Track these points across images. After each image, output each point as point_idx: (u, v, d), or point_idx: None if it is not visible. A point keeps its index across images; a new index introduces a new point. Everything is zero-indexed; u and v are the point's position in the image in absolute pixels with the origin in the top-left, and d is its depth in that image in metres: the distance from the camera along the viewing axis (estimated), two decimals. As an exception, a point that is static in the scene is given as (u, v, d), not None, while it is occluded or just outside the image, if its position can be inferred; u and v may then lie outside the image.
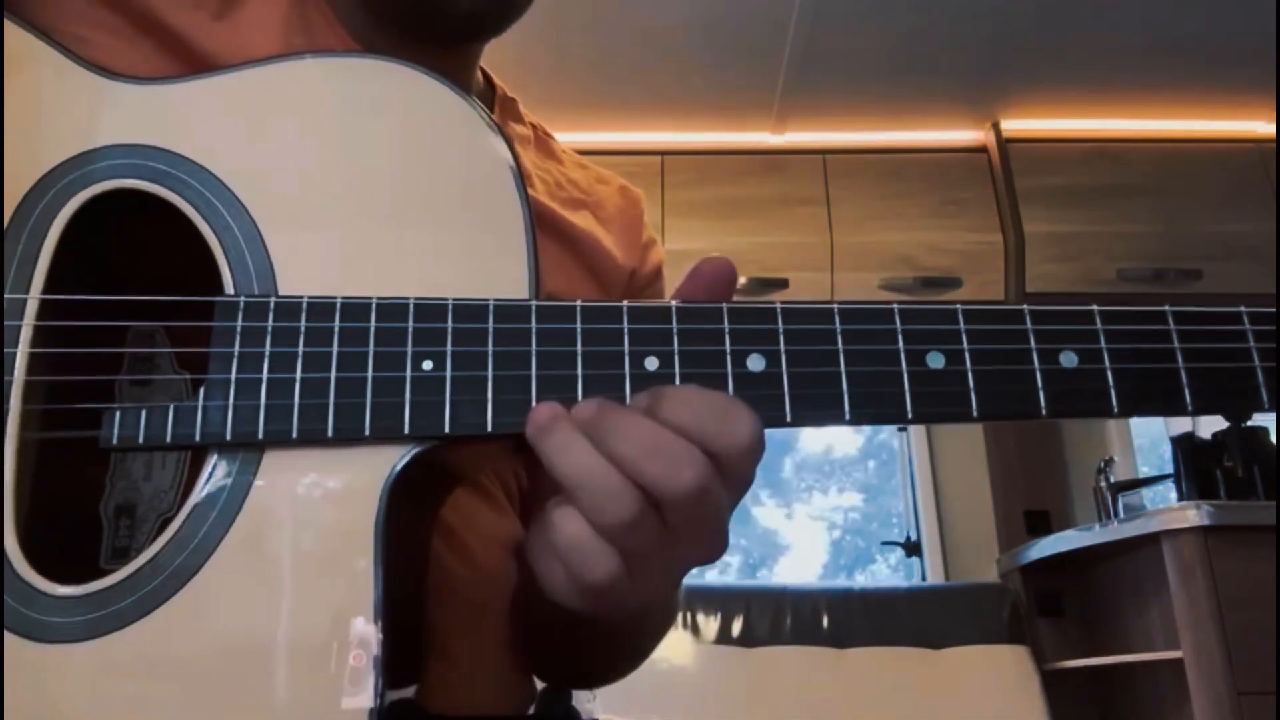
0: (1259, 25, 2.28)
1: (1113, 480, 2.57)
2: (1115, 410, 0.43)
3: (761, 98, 2.64)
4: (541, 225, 0.52)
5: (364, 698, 0.39)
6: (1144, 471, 2.81)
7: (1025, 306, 0.44)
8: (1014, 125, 2.77)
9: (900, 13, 2.33)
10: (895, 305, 0.44)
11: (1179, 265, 2.57)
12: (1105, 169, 2.70)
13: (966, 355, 0.43)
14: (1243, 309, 0.44)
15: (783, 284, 2.58)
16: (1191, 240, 2.61)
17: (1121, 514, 2.49)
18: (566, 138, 0.78)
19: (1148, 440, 2.93)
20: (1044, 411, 0.42)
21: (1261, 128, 2.73)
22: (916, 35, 2.42)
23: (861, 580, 3.00)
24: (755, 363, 0.43)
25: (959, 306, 0.44)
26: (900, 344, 0.43)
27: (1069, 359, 0.43)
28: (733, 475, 0.40)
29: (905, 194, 2.73)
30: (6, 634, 0.39)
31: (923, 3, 2.31)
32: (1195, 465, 2.39)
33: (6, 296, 0.43)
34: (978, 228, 2.69)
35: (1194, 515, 1.94)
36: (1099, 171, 2.70)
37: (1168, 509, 2.07)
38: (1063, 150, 2.75)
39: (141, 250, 0.48)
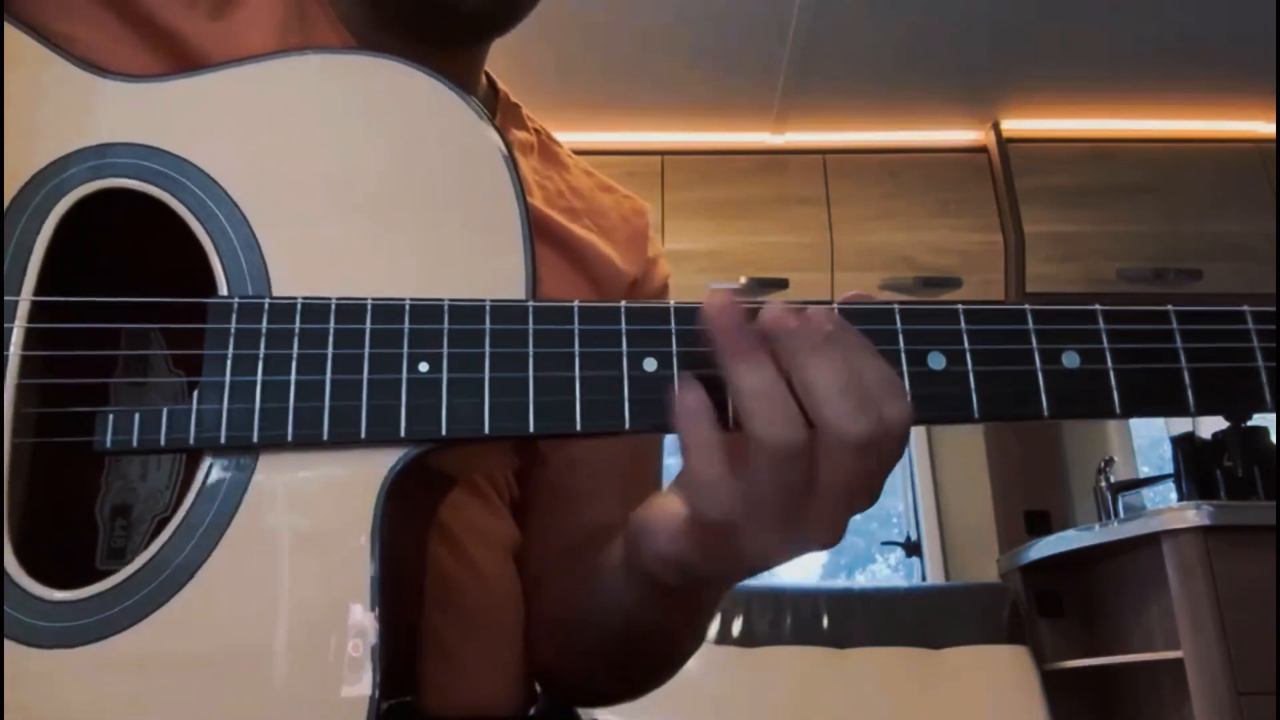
0: (1259, 25, 2.28)
1: (1113, 480, 2.56)
2: (1118, 411, 0.42)
3: (761, 98, 2.64)
4: (540, 233, 0.51)
5: (363, 686, 0.39)
6: (1144, 471, 2.81)
7: (1027, 306, 0.43)
8: (1014, 125, 2.76)
9: (900, 13, 2.32)
10: (896, 305, 0.43)
11: (1179, 265, 2.56)
12: (1105, 169, 2.69)
13: (968, 356, 0.42)
14: (1246, 308, 0.43)
15: (783, 284, 2.57)
16: (1191, 240, 2.61)
17: (1121, 514, 2.48)
18: (566, 138, 0.77)
19: (1148, 440, 2.92)
20: (1046, 413, 0.42)
21: (1261, 128, 2.72)
22: (916, 35, 2.41)
23: (861, 580, 2.99)
24: (755, 364, 0.42)
25: (960, 306, 0.43)
26: (901, 344, 0.43)
27: (1071, 359, 0.43)
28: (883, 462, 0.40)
29: (905, 194, 2.72)
30: (6, 641, 0.39)
31: (923, 3, 2.30)
32: (1195, 465, 2.39)
33: (-1, 298, 0.43)
34: (978, 228, 2.68)
35: (1194, 515, 1.94)
36: (1099, 171, 2.69)
37: (1168, 509, 2.07)
38: (1063, 150, 2.74)
39: (135, 250, 0.47)
